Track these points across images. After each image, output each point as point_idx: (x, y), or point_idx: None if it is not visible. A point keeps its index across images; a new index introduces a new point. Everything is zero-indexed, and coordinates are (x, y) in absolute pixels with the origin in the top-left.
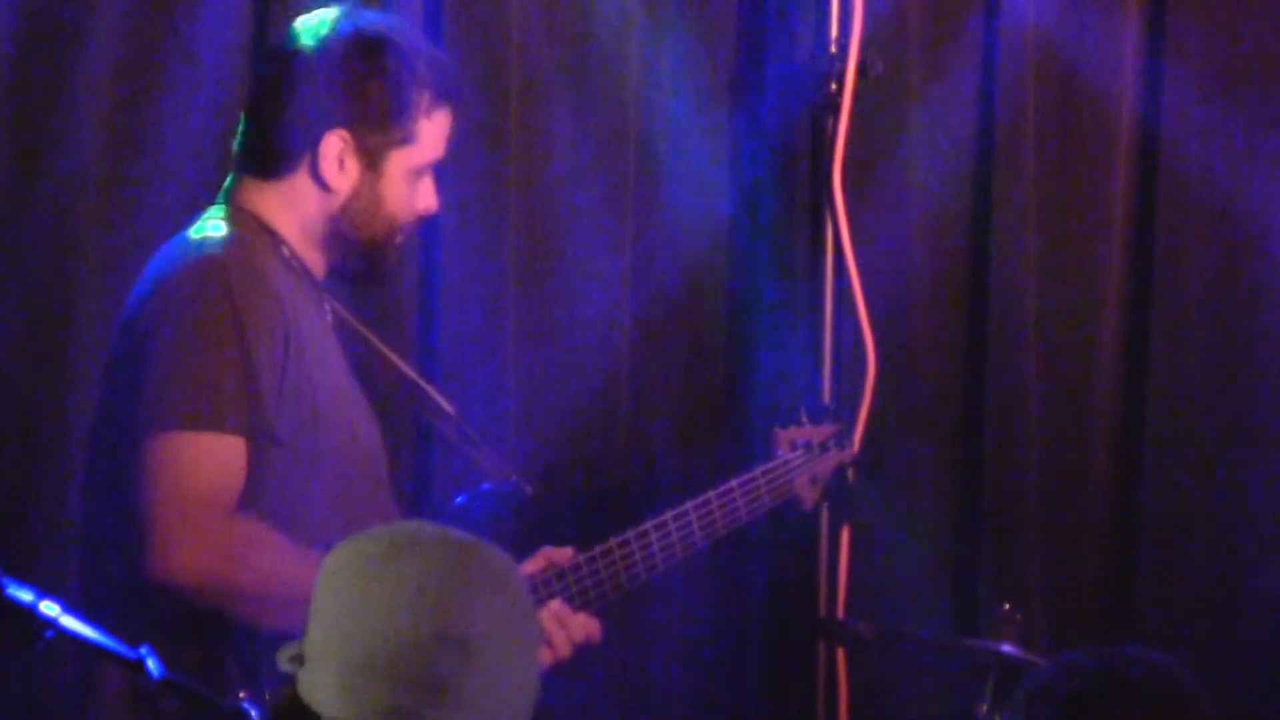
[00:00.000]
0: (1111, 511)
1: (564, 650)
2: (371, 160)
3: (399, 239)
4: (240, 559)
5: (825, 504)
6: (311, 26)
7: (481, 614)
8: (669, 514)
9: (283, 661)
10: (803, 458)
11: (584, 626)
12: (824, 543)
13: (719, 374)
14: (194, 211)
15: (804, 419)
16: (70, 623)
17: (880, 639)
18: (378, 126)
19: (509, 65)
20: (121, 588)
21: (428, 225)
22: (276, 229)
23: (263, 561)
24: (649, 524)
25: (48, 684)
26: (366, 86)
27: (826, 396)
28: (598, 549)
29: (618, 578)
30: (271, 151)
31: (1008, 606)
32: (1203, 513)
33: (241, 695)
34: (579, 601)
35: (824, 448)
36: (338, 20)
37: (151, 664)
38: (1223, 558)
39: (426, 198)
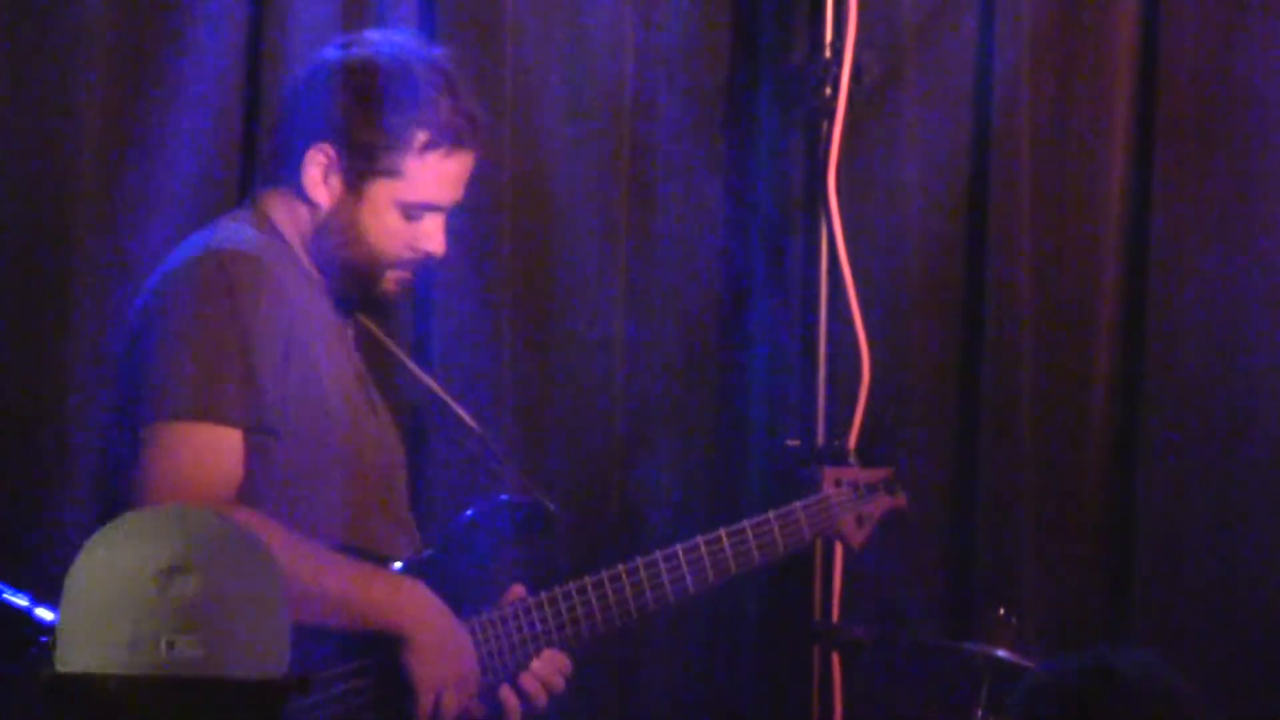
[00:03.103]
0: (1107, 515)
1: (542, 702)
2: (354, 183)
3: (391, 273)
4: None
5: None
6: (344, 40)
7: (212, 547)
8: (700, 539)
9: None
10: (848, 495)
11: (555, 667)
12: (818, 547)
13: (714, 377)
14: (191, 212)
15: (853, 459)
16: None
17: (875, 644)
18: (361, 151)
19: (504, 70)
20: None
21: None
22: (284, 234)
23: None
24: (678, 547)
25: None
26: (358, 109)
27: (821, 399)
28: (621, 567)
29: (626, 604)
30: (270, 156)
31: (1002, 611)
32: (1199, 516)
33: None
34: (576, 626)
35: (872, 489)
36: (369, 40)
37: None
38: (1220, 561)
39: (430, 240)
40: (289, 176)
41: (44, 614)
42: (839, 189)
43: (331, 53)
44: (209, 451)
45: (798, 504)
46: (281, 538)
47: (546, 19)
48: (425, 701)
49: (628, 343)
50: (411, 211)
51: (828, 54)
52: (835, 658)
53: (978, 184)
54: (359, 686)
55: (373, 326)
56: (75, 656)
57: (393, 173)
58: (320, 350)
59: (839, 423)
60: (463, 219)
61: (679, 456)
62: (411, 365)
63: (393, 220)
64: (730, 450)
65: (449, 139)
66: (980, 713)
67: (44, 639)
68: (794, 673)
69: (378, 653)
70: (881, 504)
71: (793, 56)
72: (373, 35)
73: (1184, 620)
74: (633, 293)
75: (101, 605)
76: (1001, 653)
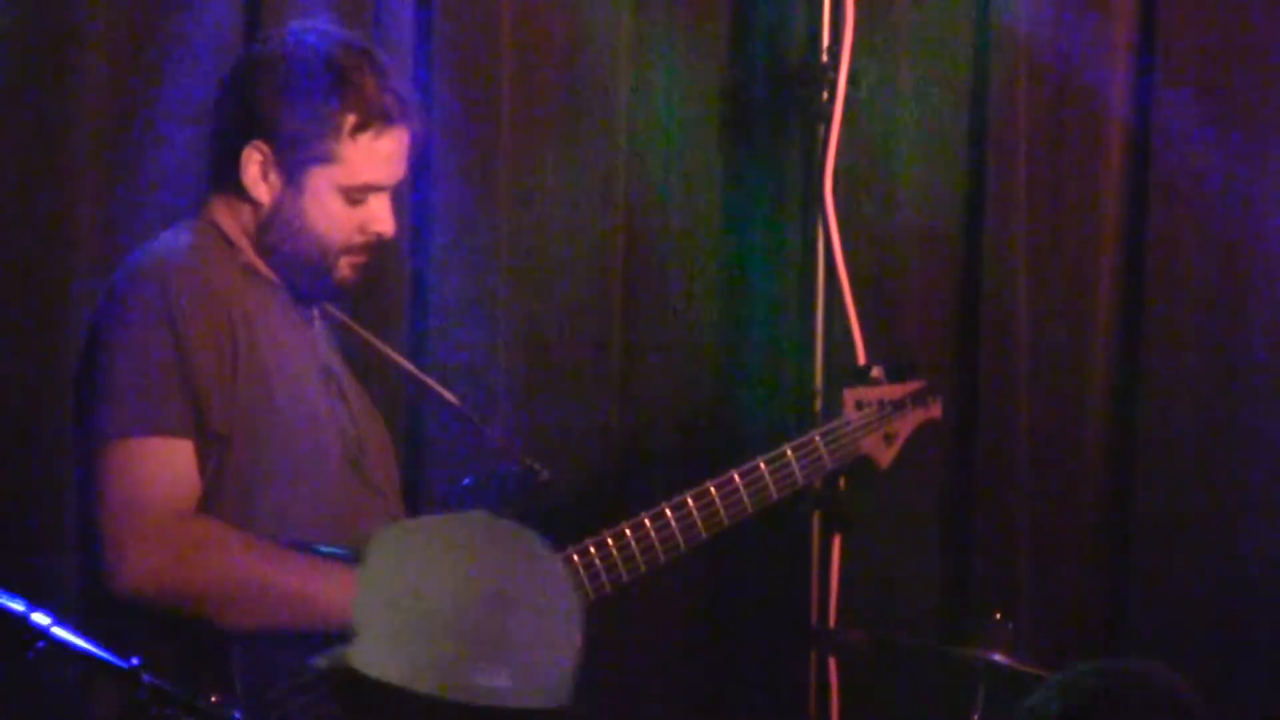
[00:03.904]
0: (1104, 518)
1: None
2: (292, 175)
3: (345, 259)
4: (194, 560)
5: (817, 511)
6: (263, 38)
7: (524, 576)
8: (710, 483)
9: (321, 660)
10: (872, 416)
11: None
12: (816, 551)
13: (711, 378)
14: (190, 213)
15: (879, 376)
16: (62, 633)
17: (872, 648)
18: (293, 142)
19: (501, 71)
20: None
21: (419, 230)
22: (231, 237)
23: (219, 561)
24: (689, 493)
25: (46, 690)
26: (283, 102)
27: (818, 401)
28: (625, 524)
29: (653, 549)
30: (212, 160)
31: (999, 615)
32: (1196, 519)
33: (214, 700)
34: (581, 589)
35: (900, 405)
36: (287, 34)
37: (144, 674)
38: (1216, 565)
39: (378, 221)
40: (230, 179)
41: (40, 618)
42: (835, 192)
43: (251, 50)
44: (162, 465)
45: (815, 432)
46: (240, 543)
47: (544, 21)
48: None
49: (625, 347)
50: (353, 195)
51: (825, 58)
52: (832, 662)
53: (974, 186)
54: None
55: (343, 315)
56: (380, 663)
57: (328, 159)
58: (269, 349)
59: None
60: (460, 219)
61: (676, 458)
62: (386, 350)
63: (336, 206)
64: (727, 451)
65: (378, 118)
66: (977, 717)
67: (41, 644)
68: (791, 676)
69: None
70: (913, 418)
71: (790, 60)
72: (292, 26)
73: (1182, 623)
74: (629, 294)
75: (416, 616)
76: (998, 657)
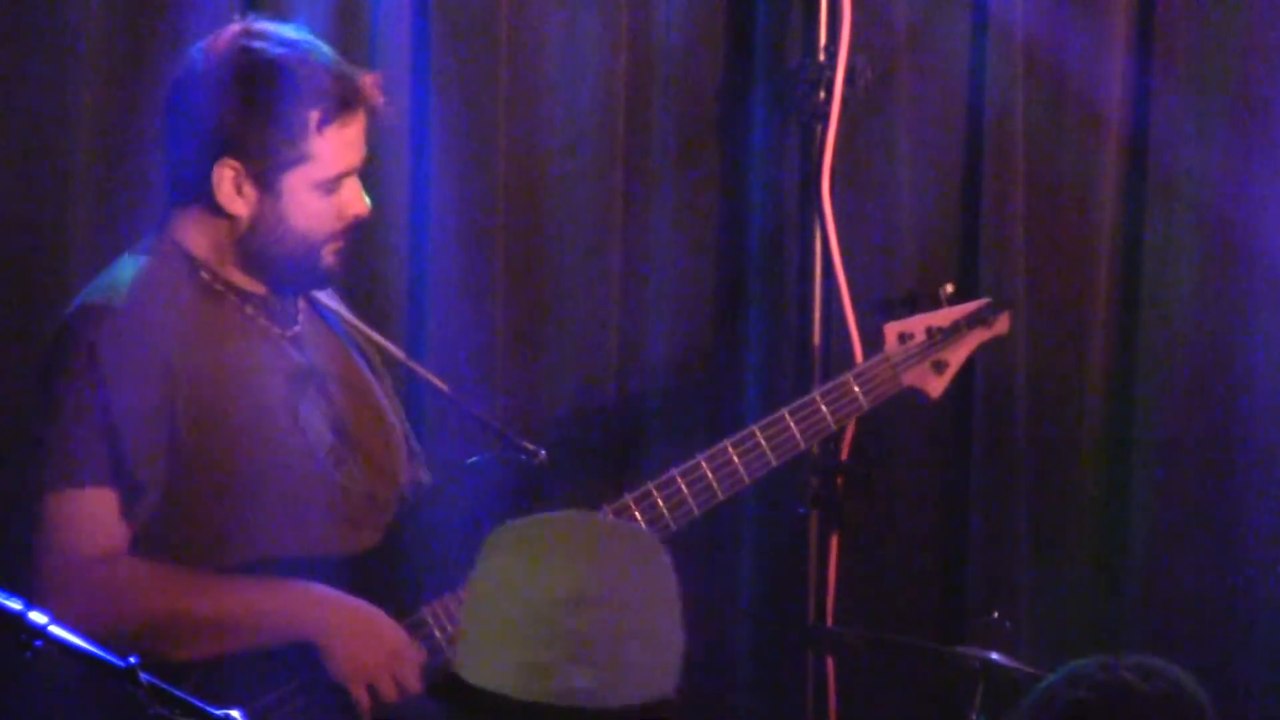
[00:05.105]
0: (1101, 517)
1: None
2: (269, 184)
3: (327, 247)
4: (117, 603)
5: (814, 511)
6: (202, 49)
7: (617, 575)
8: (727, 441)
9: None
10: (918, 346)
11: None
12: (813, 550)
13: (709, 379)
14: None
15: (943, 298)
16: (60, 632)
17: (869, 647)
18: (264, 152)
19: (499, 71)
20: None
21: (417, 226)
22: (194, 254)
23: (142, 601)
24: (700, 456)
25: (46, 689)
26: (246, 114)
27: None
28: (664, 476)
29: (682, 505)
30: (172, 180)
31: (996, 614)
32: (1193, 518)
33: None
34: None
35: (952, 330)
36: (224, 42)
37: (142, 673)
38: (1214, 563)
39: (353, 204)
40: (199, 196)
41: (38, 617)
42: (833, 191)
43: (196, 66)
44: (85, 516)
45: (849, 374)
46: (162, 579)
47: (542, 21)
48: (359, 695)
49: (622, 345)
50: (329, 186)
51: (822, 57)
52: (829, 661)
53: (971, 185)
54: (299, 706)
55: (334, 306)
56: (474, 665)
57: (301, 160)
58: (223, 371)
59: None
60: (458, 210)
61: (674, 460)
62: (377, 337)
63: (314, 202)
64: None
65: (340, 108)
66: (974, 716)
67: (39, 643)
68: (789, 676)
69: (302, 667)
70: (970, 341)
71: (787, 60)
72: (225, 34)
73: (1178, 622)
74: (627, 295)
75: (504, 619)
76: (996, 656)
